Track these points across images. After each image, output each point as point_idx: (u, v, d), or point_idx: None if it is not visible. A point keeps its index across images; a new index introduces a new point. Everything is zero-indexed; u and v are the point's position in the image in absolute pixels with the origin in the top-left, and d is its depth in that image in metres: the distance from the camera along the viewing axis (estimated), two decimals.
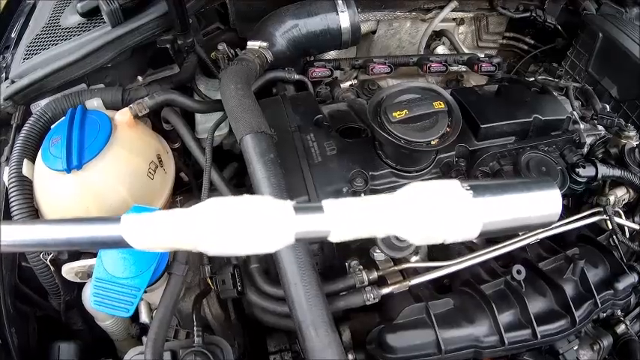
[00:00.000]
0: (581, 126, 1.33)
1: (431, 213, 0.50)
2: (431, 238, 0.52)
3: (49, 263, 1.06)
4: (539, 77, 1.52)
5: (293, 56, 1.27)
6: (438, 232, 0.51)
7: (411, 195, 0.52)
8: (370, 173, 1.06)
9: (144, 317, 1.17)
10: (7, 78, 1.28)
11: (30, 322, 1.20)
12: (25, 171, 1.09)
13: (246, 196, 0.49)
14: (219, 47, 1.22)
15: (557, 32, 1.71)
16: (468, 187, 0.52)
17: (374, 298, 0.97)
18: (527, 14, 1.68)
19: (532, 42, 1.79)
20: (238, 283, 1.02)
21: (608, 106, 1.47)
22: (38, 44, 1.28)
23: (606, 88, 1.55)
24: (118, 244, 0.48)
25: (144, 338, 1.16)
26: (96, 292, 0.95)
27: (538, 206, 0.54)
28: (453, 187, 0.52)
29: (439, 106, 1.04)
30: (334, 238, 0.50)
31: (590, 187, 1.26)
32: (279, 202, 0.49)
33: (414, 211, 0.51)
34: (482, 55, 1.50)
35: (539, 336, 0.98)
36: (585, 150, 1.33)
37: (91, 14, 1.22)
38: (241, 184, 1.23)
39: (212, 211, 0.47)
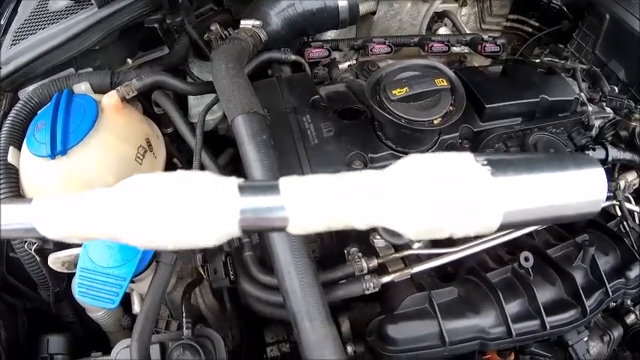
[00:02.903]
0: (590, 108, 1.25)
1: (432, 198, 0.37)
2: (433, 232, 0.39)
3: (34, 253, 0.99)
4: (545, 59, 1.43)
5: (289, 36, 1.19)
6: (442, 225, 0.38)
7: (405, 172, 0.38)
8: (369, 155, 0.98)
9: (136, 308, 1.10)
10: None
11: (19, 315, 1.13)
12: (11, 158, 1.03)
13: (178, 172, 0.37)
14: (212, 28, 1.14)
15: (563, 14, 1.61)
16: (485, 162, 0.38)
17: (374, 287, 0.90)
18: None
19: (537, 24, 1.69)
20: (231, 272, 0.94)
21: (616, 89, 1.38)
22: (26, 29, 1.21)
23: (613, 70, 1.46)
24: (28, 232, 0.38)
25: None
26: (80, 282, 0.89)
27: (578, 189, 0.41)
28: (465, 161, 0.38)
29: (442, 83, 0.96)
30: (294, 229, 0.37)
31: None
32: (221, 179, 0.37)
33: (408, 195, 0.37)
34: (486, 37, 1.41)
35: (548, 327, 0.91)
36: (594, 133, 1.24)
37: None
38: (237, 170, 1.15)
39: (134, 193, 0.36)
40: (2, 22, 1.39)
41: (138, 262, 0.87)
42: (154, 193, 0.35)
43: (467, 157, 0.39)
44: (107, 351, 1.09)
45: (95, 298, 0.88)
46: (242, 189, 0.37)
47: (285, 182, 0.37)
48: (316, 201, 0.36)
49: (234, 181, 0.37)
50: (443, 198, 0.37)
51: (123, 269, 0.87)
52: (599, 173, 0.41)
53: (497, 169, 0.38)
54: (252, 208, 0.36)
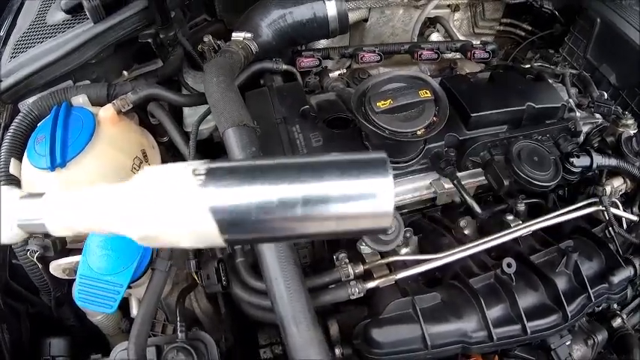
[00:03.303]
0: (578, 114, 1.29)
1: (145, 209, 0.40)
2: (154, 239, 0.41)
3: (36, 260, 1.06)
4: (536, 64, 1.47)
5: (280, 46, 1.24)
6: (158, 233, 0.40)
7: (133, 186, 0.42)
8: None
9: (134, 312, 1.17)
10: None
11: (22, 319, 1.19)
12: (13, 170, 1.08)
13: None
14: (205, 39, 1.20)
15: (555, 18, 1.65)
16: (203, 172, 0.39)
17: (359, 293, 0.95)
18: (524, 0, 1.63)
19: (529, 28, 1.73)
20: (223, 278, 1.00)
21: (605, 94, 1.42)
22: (25, 42, 1.27)
23: (605, 74, 1.50)
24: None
25: None
26: (80, 288, 0.94)
27: (350, 201, 0.37)
28: (180, 173, 0.40)
29: (425, 94, 1.01)
30: (53, 230, 0.45)
31: (587, 177, 1.21)
32: (5, 189, 0.47)
33: (130, 206, 0.41)
34: (478, 42, 1.45)
35: (529, 331, 0.96)
36: (582, 139, 1.28)
37: (75, 10, 1.20)
38: None
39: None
40: (2, 34, 1.46)
41: (134, 270, 0.93)
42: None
43: (186, 168, 0.40)
44: (106, 353, 1.16)
45: (94, 304, 0.94)
46: (23, 197, 0.46)
47: (50, 193, 0.46)
48: (67, 208, 0.45)
49: (17, 192, 0.47)
50: (153, 209, 0.40)
51: (120, 276, 0.93)
52: (385, 183, 0.37)
53: (211, 179, 0.38)
54: (24, 211, 0.46)
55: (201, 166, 0.39)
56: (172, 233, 0.40)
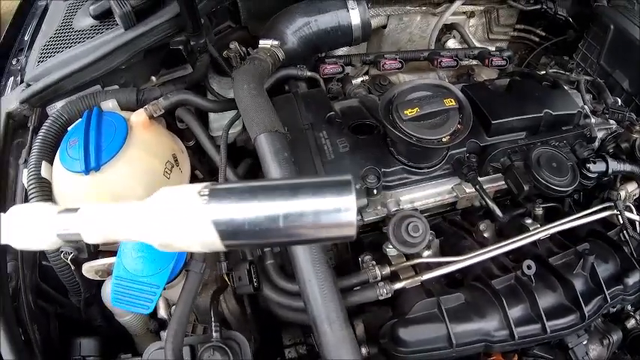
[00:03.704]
0: (593, 120, 1.36)
1: (163, 222, 0.50)
2: (169, 246, 0.52)
3: (69, 262, 1.11)
4: (551, 71, 1.53)
5: (304, 54, 1.30)
6: (171, 241, 0.51)
7: (153, 202, 0.52)
8: (382, 170, 1.10)
9: (162, 313, 1.22)
10: (22, 81, 1.33)
11: (51, 319, 1.24)
12: (44, 173, 1.13)
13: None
14: (231, 46, 1.25)
15: (569, 24, 1.72)
16: (207, 193, 0.49)
17: (387, 293, 1.01)
18: (538, 6, 1.69)
19: (543, 34, 1.80)
20: (254, 279, 1.05)
21: (619, 100, 1.48)
22: (52, 47, 1.32)
23: (618, 80, 1.57)
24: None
25: (162, 333, 1.22)
26: (116, 289, 0.99)
27: (317, 215, 0.46)
28: (189, 193, 0.50)
29: (450, 103, 1.07)
30: (87, 239, 0.55)
31: (601, 182, 1.28)
32: (45, 205, 0.58)
33: (149, 220, 0.52)
34: (493, 49, 1.52)
35: (548, 331, 1.02)
36: (597, 144, 1.34)
37: (104, 17, 1.26)
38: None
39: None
40: (26, 38, 1.51)
41: (170, 271, 0.99)
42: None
43: (192, 189, 0.50)
44: (134, 353, 1.22)
45: (130, 304, 0.99)
46: (60, 211, 0.56)
47: (84, 207, 0.55)
48: (99, 221, 0.55)
49: (55, 208, 0.57)
50: (168, 222, 0.50)
51: (157, 277, 0.98)
52: (348, 200, 0.46)
53: (213, 198, 0.49)
54: (62, 224, 0.56)
55: (205, 188, 0.50)
56: (184, 241, 0.51)
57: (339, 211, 0.46)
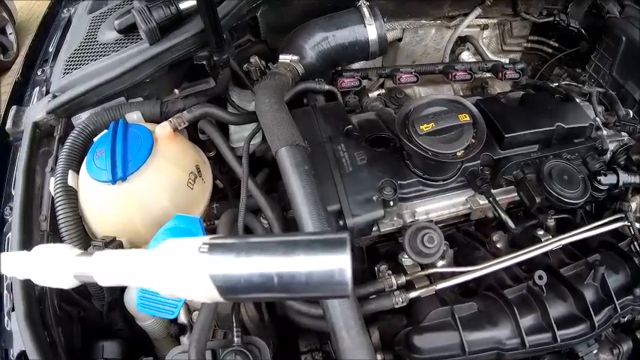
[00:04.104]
0: (604, 132, 1.41)
1: (165, 274, 0.55)
2: (176, 295, 0.56)
3: None
4: (563, 83, 1.59)
5: (322, 68, 1.37)
6: (175, 292, 0.55)
7: (158, 254, 0.57)
8: (399, 182, 1.16)
9: (182, 318, 1.29)
10: (47, 91, 1.41)
11: (74, 323, 1.31)
12: (71, 181, 1.19)
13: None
14: (252, 60, 1.32)
15: (581, 36, 1.78)
16: (205, 246, 0.53)
17: (402, 302, 1.07)
18: (551, 18, 1.75)
19: (556, 45, 1.86)
20: None
21: (631, 112, 1.53)
22: (77, 59, 1.39)
23: (630, 92, 1.62)
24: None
25: (182, 338, 1.28)
26: (142, 295, 1.05)
27: (313, 275, 0.48)
28: (189, 247, 0.54)
29: (464, 118, 1.13)
30: (99, 282, 0.61)
31: (613, 194, 1.33)
32: (65, 248, 0.65)
33: (155, 270, 0.56)
34: (507, 61, 1.58)
35: (559, 340, 1.07)
36: (608, 157, 1.39)
37: (128, 31, 1.33)
38: (273, 189, 1.32)
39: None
40: (51, 50, 1.59)
41: None
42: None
43: (193, 243, 0.54)
44: (154, 358, 1.28)
45: (156, 310, 1.06)
46: (78, 255, 0.63)
47: (98, 254, 0.62)
48: (109, 267, 0.60)
49: (74, 251, 0.64)
50: (167, 274, 0.55)
51: None
52: (342, 260, 0.47)
53: (212, 251, 0.52)
54: (78, 267, 0.63)
55: (205, 245, 0.53)
56: (186, 293, 0.55)
57: (333, 272, 0.47)
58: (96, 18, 1.49)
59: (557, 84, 1.56)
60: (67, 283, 0.64)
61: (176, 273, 0.54)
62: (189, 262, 0.53)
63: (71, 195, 1.18)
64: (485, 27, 1.73)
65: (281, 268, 0.49)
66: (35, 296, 1.13)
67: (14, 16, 5.17)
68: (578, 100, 1.44)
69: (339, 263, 0.47)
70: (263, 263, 0.50)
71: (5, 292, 1.20)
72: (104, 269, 0.61)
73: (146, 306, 1.06)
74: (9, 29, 5.05)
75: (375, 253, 1.27)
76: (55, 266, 0.63)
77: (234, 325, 1.09)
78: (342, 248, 0.47)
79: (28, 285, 1.11)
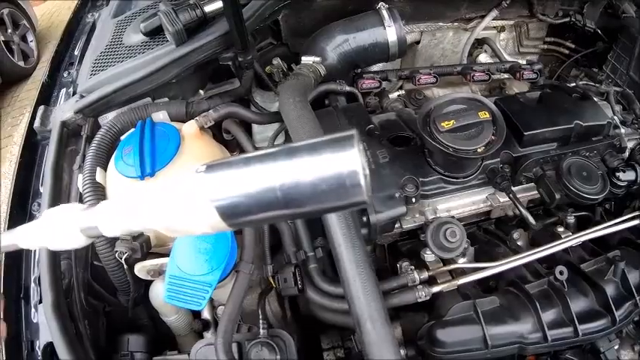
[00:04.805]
0: (622, 130, 1.44)
1: (165, 206, 0.52)
2: (175, 229, 0.53)
3: (123, 262, 1.23)
4: (581, 83, 1.63)
5: (343, 69, 1.42)
6: (178, 224, 0.52)
7: (157, 187, 0.55)
8: (420, 179, 1.20)
9: (206, 314, 1.34)
10: (74, 92, 1.47)
11: (100, 317, 1.36)
12: (99, 178, 1.25)
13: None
14: (274, 62, 1.38)
15: (598, 36, 1.82)
16: (203, 167, 0.50)
17: (425, 296, 1.11)
18: (567, 19, 1.80)
19: (573, 46, 1.90)
20: (299, 282, 1.16)
21: None
22: (103, 61, 1.46)
23: None
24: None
25: (205, 333, 1.34)
26: (170, 287, 1.09)
27: (320, 175, 0.41)
28: (188, 173, 0.51)
29: (484, 115, 1.18)
30: (105, 232, 0.60)
31: (632, 191, 1.36)
32: (71, 206, 0.64)
33: (155, 206, 0.54)
34: (524, 62, 1.62)
35: (580, 334, 1.10)
36: (627, 154, 1.42)
37: (153, 33, 1.39)
38: None
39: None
40: (76, 53, 1.67)
41: (222, 271, 1.10)
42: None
43: (190, 169, 0.52)
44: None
45: (183, 302, 1.10)
46: (82, 209, 0.61)
47: (102, 203, 0.60)
48: (113, 213, 0.58)
49: (80, 206, 0.63)
50: (168, 205, 0.53)
51: (210, 277, 1.09)
52: (350, 156, 0.40)
53: (209, 170, 0.49)
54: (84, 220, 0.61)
55: (203, 165, 0.52)
56: (191, 224, 0.52)
57: (341, 172, 0.40)
58: (120, 22, 1.56)
59: (574, 84, 1.60)
60: (78, 241, 0.62)
61: (175, 202, 0.50)
62: (186, 185, 0.49)
63: (99, 191, 1.24)
64: (501, 29, 1.78)
65: (282, 176, 0.43)
66: (63, 289, 1.18)
67: (34, 24, 5.37)
68: (595, 99, 1.48)
69: (347, 160, 0.40)
70: (263, 173, 0.44)
71: (33, 285, 1.26)
72: (108, 218, 0.59)
73: (174, 297, 1.10)
74: (30, 37, 5.27)
75: (397, 252, 1.31)
76: (63, 225, 0.62)
77: (261, 317, 1.14)
78: (350, 144, 0.41)
79: (56, 277, 1.16)
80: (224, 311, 1.11)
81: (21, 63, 5.01)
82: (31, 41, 5.26)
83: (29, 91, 4.86)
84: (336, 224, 0.96)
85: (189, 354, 1.19)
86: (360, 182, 0.41)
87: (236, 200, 0.46)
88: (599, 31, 1.81)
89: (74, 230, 0.62)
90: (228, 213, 0.47)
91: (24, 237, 0.63)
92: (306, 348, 1.37)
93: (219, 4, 1.29)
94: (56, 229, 0.63)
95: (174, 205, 0.51)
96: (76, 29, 1.77)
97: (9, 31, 4.89)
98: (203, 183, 0.48)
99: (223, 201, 0.46)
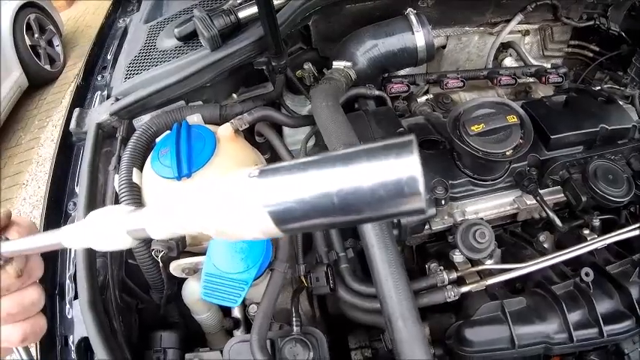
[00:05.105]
0: None
1: (215, 209, 0.50)
2: (226, 233, 0.51)
3: (159, 260, 1.28)
4: (606, 86, 1.66)
5: (373, 74, 1.47)
6: (229, 227, 0.50)
7: (204, 188, 0.53)
8: (450, 182, 1.24)
9: (236, 312, 1.39)
10: (109, 95, 1.53)
11: (133, 314, 1.42)
12: (135, 178, 1.30)
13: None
14: (305, 66, 1.43)
15: (622, 38, 1.84)
16: (256, 171, 0.48)
17: (454, 296, 1.15)
18: (591, 22, 1.82)
19: (597, 49, 1.92)
20: (331, 281, 1.21)
21: None
22: (137, 65, 1.52)
23: None
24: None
25: (235, 332, 1.39)
26: (206, 285, 1.14)
27: (375, 182, 0.40)
28: (239, 175, 0.49)
29: (512, 119, 1.22)
30: (152, 234, 0.58)
31: None
32: (118, 207, 0.63)
33: (203, 204, 0.51)
34: (549, 66, 1.66)
35: (605, 335, 1.13)
36: None
37: (187, 38, 1.45)
38: None
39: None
40: (109, 57, 1.73)
41: (258, 269, 1.15)
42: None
43: (244, 171, 0.49)
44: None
45: (219, 299, 1.15)
46: (128, 212, 0.61)
47: (149, 207, 0.59)
48: (159, 216, 0.56)
49: (125, 209, 0.61)
50: (217, 208, 0.50)
51: (245, 275, 1.13)
52: (410, 162, 0.39)
53: (262, 175, 0.47)
54: (130, 222, 0.60)
55: (255, 169, 0.49)
56: (242, 228, 0.51)
57: (400, 178, 0.40)
58: (153, 27, 1.62)
59: (599, 87, 1.63)
60: (125, 242, 0.62)
61: (228, 207, 0.49)
62: (239, 190, 0.48)
63: (135, 191, 1.29)
64: (526, 32, 1.81)
65: (340, 181, 0.42)
66: (98, 286, 1.22)
67: (60, 29, 5.53)
68: (620, 102, 1.51)
69: (407, 166, 0.39)
70: (319, 178, 0.43)
71: (67, 281, 1.30)
72: (155, 220, 0.58)
73: (210, 295, 1.15)
74: (56, 41, 5.47)
75: (425, 253, 1.35)
76: (110, 227, 0.62)
77: (294, 314, 1.19)
78: (408, 150, 0.40)
79: (92, 274, 1.20)
80: (259, 308, 1.16)
81: (47, 67, 5.19)
82: (57, 45, 5.46)
83: (55, 94, 5.00)
84: (369, 226, 1.00)
85: (220, 351, 1.24)
86: (419, 189, 0.40)
87: (290, 206, 0.45)
88: (623, 34, 1.83)
89: (121, 232, 0.62)
90: (282, 219, 0.47)
91: (69, 237, 0.64)
92: (332, 349, 1.41)
93: (253, 10, 1.34)
94: (102, 231, 0.64)
95: (227, 210, 0.50)
96: (108, 34, 1.83)
97: (36, 35, 5.09)
98: (257, 188, 0.47)
99: (277, 206, 0.46)
